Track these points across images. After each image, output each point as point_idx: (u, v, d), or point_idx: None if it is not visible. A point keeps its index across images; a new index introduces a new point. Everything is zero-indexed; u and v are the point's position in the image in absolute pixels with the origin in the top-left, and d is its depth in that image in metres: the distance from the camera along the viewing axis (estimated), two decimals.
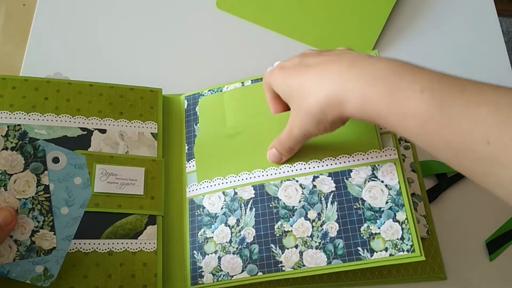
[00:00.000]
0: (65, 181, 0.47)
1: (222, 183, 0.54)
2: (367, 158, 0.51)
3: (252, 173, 0.53)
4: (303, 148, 0.52)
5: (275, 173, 0.52)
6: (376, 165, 0.50)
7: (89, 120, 0.57)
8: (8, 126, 0.46)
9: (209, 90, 0.59)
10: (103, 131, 0.57)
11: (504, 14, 1.61)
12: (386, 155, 0.50)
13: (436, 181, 0.60)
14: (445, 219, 0.57)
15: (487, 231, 0.57)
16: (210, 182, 0.55)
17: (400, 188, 0.49)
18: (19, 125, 0.46)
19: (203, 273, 0.52)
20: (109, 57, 0.69)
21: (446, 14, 0.71)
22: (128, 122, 0.58)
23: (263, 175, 0.53)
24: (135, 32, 0.71)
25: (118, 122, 0.57)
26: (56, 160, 0.47)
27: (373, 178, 0.50)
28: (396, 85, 0.40)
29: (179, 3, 0.74)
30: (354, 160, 0.51)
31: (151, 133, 0.58)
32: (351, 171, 0.51)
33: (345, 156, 0.51)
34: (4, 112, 0.55)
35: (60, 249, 0.46)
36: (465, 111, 0.37)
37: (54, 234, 0.46)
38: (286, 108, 0.53)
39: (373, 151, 0.51)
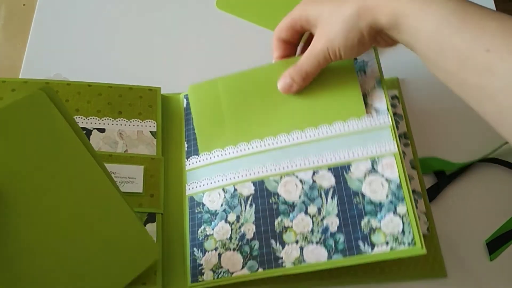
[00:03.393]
0: None
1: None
2: (367, 152, 0.50)
3: (252, 170, 0.53)
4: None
5: (275, 169, 0.52)
6: (376, 159, 0.50)
7: (88, 119, 0.57)
8: None
9: None
10: (102, 130, 0.57)
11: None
12: (386, 149, 0.50)
13: (435, 180, 0.59)
14: (445, 219, 0.57)
15: (487, 231, 0.56)
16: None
17: (400, 181, 0.48)
18: None
19: (203, 270, 0.51)
20: (109, 57, 0.69)
21: None
22: (127, 121, 0.58)
23: (262, 171, 0.53)
24: (134, 32, 0.71)
25: (117, 121, 0.57)
26: None
27: (373, 172, 0.49)
28: None
29: (179, 3, 0.74)
30: (353, 155, 0.51)
31: (150, 132, 0.58)
32: (350, 165, 0.50)
33: (344, 150, 0.51)
34: None
35: None
36: (478, 21, 0.41)
37: None
38: (291, 53, 0.57)
39: (372, 144, 0.51)
